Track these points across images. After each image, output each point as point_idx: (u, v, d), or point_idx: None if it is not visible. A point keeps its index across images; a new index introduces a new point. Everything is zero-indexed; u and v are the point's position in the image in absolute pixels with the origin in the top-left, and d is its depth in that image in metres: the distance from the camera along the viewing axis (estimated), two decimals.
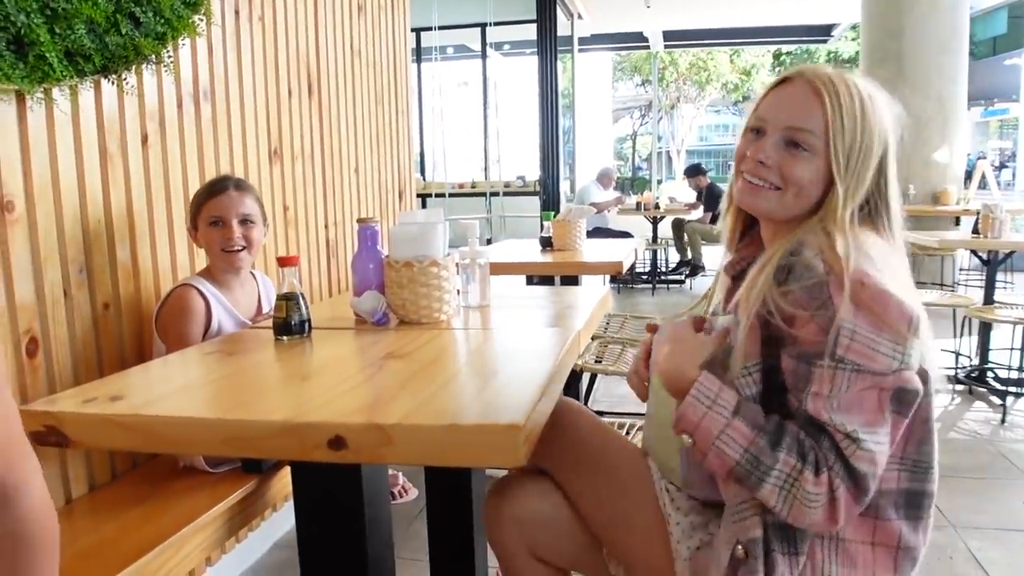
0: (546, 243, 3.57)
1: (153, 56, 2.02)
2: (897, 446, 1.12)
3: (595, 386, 3.79)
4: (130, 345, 2.04)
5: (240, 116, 2.54)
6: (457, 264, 1.82)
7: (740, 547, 1.17)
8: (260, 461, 1.82)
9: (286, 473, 2.00)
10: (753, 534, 1.16)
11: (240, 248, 2.08)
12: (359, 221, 1.76)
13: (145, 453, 2.08)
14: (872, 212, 1.24)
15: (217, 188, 2.11)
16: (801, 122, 1.23)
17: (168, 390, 1.21)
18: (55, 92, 1.78)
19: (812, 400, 1.09)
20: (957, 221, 7.16)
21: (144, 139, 2.10)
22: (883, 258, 1.15)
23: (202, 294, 2.01)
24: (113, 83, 1.94)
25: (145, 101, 2.09)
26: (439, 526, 1.93)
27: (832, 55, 25.19)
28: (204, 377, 1.33)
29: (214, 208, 2.08)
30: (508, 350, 1.44)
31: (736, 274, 1.38)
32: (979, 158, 9.88)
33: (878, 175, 1.24)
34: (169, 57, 2.10)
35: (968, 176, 7.89)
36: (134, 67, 1.99)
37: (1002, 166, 19.70)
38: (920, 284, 6.57)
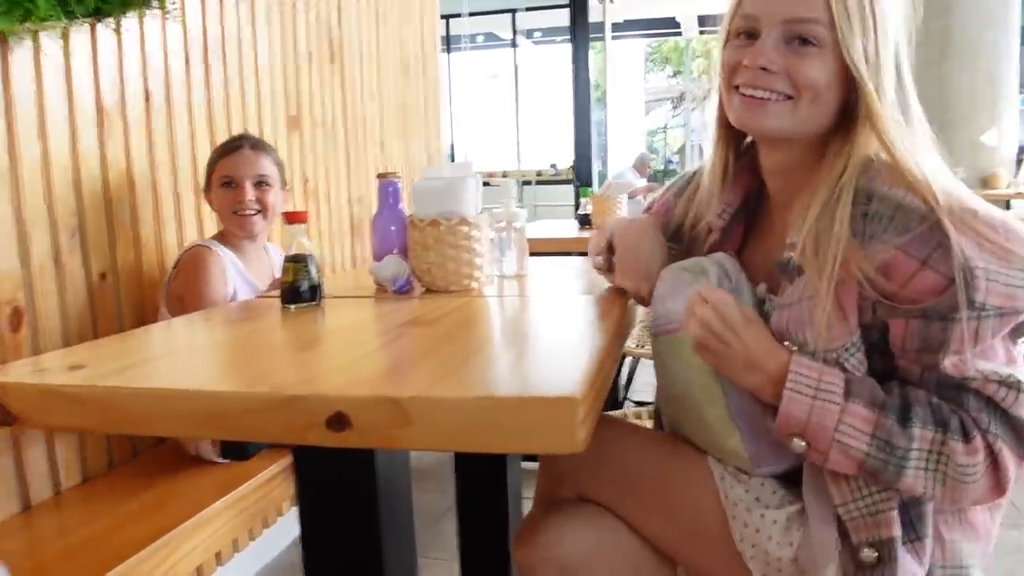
0: (584, 221, 3.34)
1: (155, 2, 1.82)
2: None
3: (635, 374, 3.57)
4: (130, 318, 1.85)
5: (255, 78, 2.34)
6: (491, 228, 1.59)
7: (869, 550, 0.95)
8: (245, 445, 1.60)
9: None
10: (888, 533, 0.94)
11: (253, 212, 1.91)
12: (379, 176, 1.55)
13: (147, 439, 1.90)
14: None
15: (232, 147, 1.94)
16: (803, 11, 0.99)
17: (141, 359, 1.00)
18: (44, 37, 1.60)
19: (952, 359, 0.88)
20: (1008, 205, 6.83)
21: (147, 96, 1.91)
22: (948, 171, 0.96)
23: (216, 254, 1.85)
24: (111, 28, 1.75)
25: (148, 56, 1.90)
26: (470, 525, 1.71)
27: None
28: (189, 345, 1.12)
29: (226, 167, 1.91)
30: (552, 319, 1.21)
31: (725, 226, 1.18)
32: None
33: (896, 72, 1.02)
34: (174, 5, 1.90)
35: (1019, 161, 7.54)
36: (135, 13, 1.80)
37: None
38: None
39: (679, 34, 15.19)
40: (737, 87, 1.04)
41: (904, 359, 0.94)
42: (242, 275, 1.90)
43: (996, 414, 0.88)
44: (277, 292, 1.37)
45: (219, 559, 2.07)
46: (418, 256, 1.44)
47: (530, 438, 0.71)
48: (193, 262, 1.83)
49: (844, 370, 0.94)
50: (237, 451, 1.66)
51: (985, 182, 7.04)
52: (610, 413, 1.22)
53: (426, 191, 1.42)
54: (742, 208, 1.19)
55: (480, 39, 12.21)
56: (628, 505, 1.15)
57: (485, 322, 1.20)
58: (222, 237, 1.95)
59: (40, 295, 1.61)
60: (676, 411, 1.19)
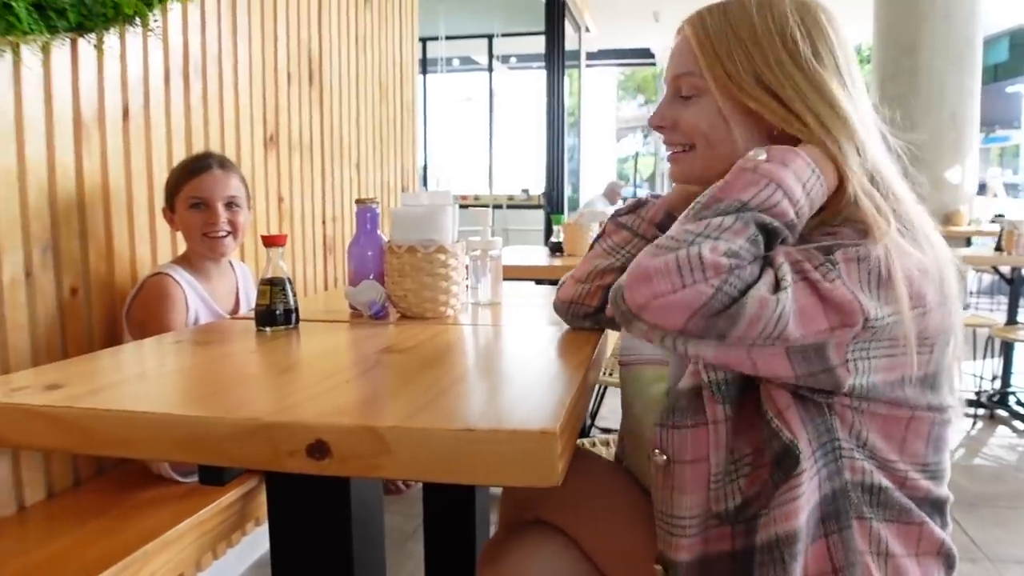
0: (556, 248, 3.36)
1: (137, 19, 1.83)
2: (918, 452, 0.96)
3: (603, 401, 3.59)
4: (100, 334, 1.83)
5: (234, 97, 2.34)
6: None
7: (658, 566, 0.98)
8: (222, 470, 1.59)
9: (263, 488, 1.80)
10: (675, 557, 0.97)
11: (225, 234, 1.88)
12: (358, 202, 1.56)
13: (113, 458, 1.87)
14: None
15: (200, 166, 1.90)
16: (678, 68, 1.06)
17: (118, 379, 1.00)
18: (24, 50, 1.59)
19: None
20: (968, 242, 6.99)
21: (125, 112, 1.91)
22: None
23: (178, 283, 1.81)
24: (92, 44, 1.75)
25: (128, 70, 1.90)
26: (437, 549, 1.72)
27: None
28: (166, 367, 1.12)
29: (196, 189, 1.87)
30: (528, 350, 1.23)
31: None
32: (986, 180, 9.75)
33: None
34: (156, 22, 1.91)
35: (982, 189, 7.73)
36: (116, 30, 1.80)
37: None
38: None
39: (653, 64, 15.40)
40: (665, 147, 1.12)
41: None
42: (204, 300, 1.88)
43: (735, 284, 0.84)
44: (251, 314, 1.38)
45: None
46: (395, 282, 1.45)
47: (508, 471, 0.72)
48: (155, 290, 1.80)
49: None
50: (214, 476, 1.64)
51: (948, 219, 7.20)
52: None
53: (405, 218, 1.44)
54: None
55: (456, 63, 12.27)
56: (582, 534, 1.18)
57: (461, 352, 1.22)
58: (184, 260, 1.92)
59: (10, 309, 1.60)
60: (629, 444, 1.23)
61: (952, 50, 7.19)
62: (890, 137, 1.05)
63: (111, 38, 1.81)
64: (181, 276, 1.83)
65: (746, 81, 0.99)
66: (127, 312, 1.83)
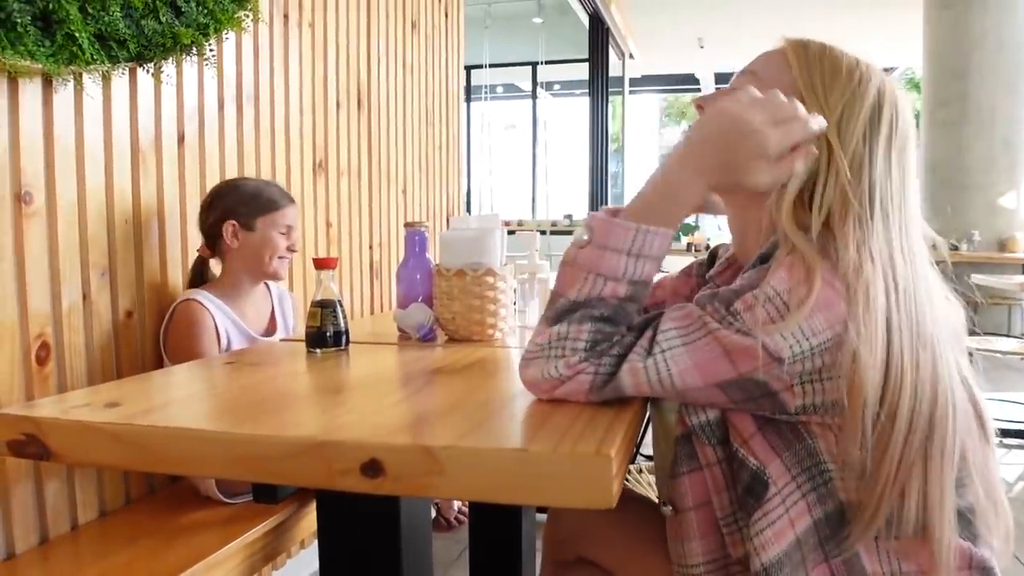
0: None
1: (194, 48, 1.88)
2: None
3: (646, 430, 3.55)
4: (152, 356, 1.86)
5: (284, 124, 2.39)
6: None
7: None
8: (276, 489, 1.61)
9: (313, 509, 1.81)
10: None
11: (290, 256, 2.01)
12: (407, 225, 1.58)
13: (163, 478, 1.90)
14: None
15: (289, 199, 2.02)
16: (750, 65, 1.08)
17: (174, 398, 1.01)
18: (85, 79, 1.64)
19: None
20: None
21: (181, 138, 1.95)
22: None
23: (205, 308, 1.84)
24: (150, 73, 1.80)
25: (184, 98, 1.95)
26: (483, 574, 1.70)
27: None
28: (219, 387, 1.13)
29: (288, 218, 1.98)
30: None
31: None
32: None
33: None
34: (212, 52, 1.96)
35: None
36: (173, 59, 1.85)
37: None
38: (988, 333, 6.23)
39: (698, 90, 15.38)
40: None
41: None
42: (235, 323, 1.91)
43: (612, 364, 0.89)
44: (301, 335, 1.39)
45: None
46: (443, 305, 1.46)
47: (563, 492, 0.72)
48: (184, 317, 1.82)
49: None
50: (268, 494, 1.66)
51: (1003, 245, 7.04)
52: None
53: (454, 241, 1.45)
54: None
55: (500, 90, 12.39)
56: (621, 569, 1.18)
57: (511, 373, 1.21)
58: (217, 284, 1.95)
59: (68, 331, 1.63)
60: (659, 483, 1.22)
61: (1003, 75, 7.08)
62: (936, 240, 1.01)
63: (168, 67, 1.85)
64: (209, 300, 1.86)
65: (823, 110, 0.96)
66: (163, 339, 1.85)
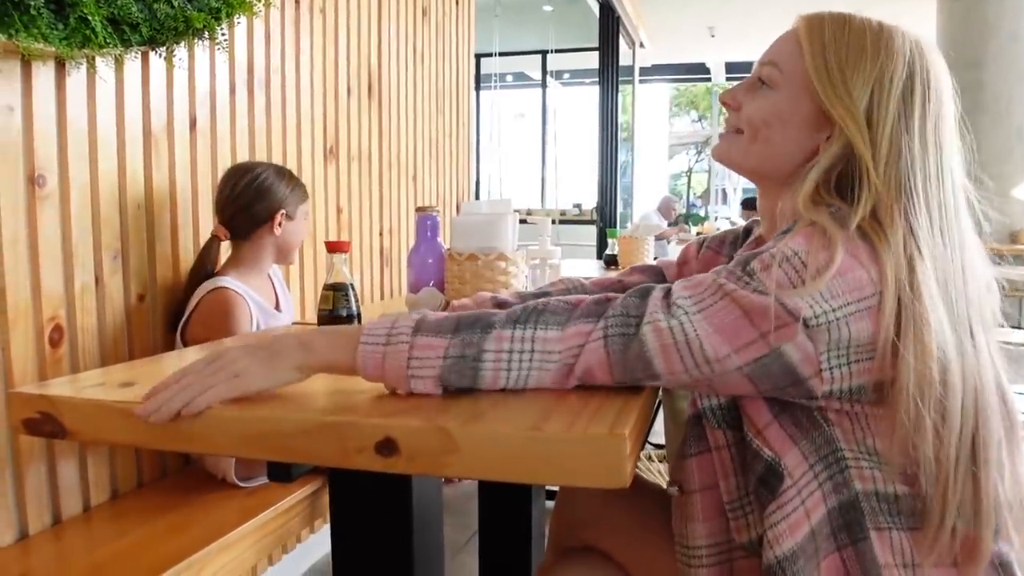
0: (611, 261, 3.35)
1: (206, 32, 1.87)
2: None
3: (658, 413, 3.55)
4: (164, 338, 1.87)
5: (296, 109, 2.39)
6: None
7: None
8: (289, 468, 1.62)
9: (325, 492, 1.82)
10: None
11: None
12: (418, 210, 1.58)
13: (176, 460, 1.91)
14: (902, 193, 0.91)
15: (303, 184, 2.08)
16: (769, 54, 1.04)
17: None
18: (98, 61, 1.64)
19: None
20: None
21: (192, 122, 1.96)
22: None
23: (239, 295, 1.84)
24: (162, 56, 1.80)
25: (196, 82, 1.95)
26: (492, 557, 1.71)
27: None
28: None
29: (308, 202, 2.09)
30: None
31: None
32: None
33: (898, 130, 0.93)
34: (223, 36, 1.96)
35: None
36: (185, 42, 1.85)
37: None
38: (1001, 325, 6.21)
39: (708, 79, 15.31)
40: None
41: None
42: (260, 306, 1.92)
43: (629, 325, 0.85)
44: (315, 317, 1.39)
45: None
46: (455, 289, 1.46)
47: (576, 471, 0.72)
48: (219, 306, 1.81)
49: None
50: (282, 473, 1.67)
51: (1015, 237, 7.00)
52: None
53: (466, 226, 1.45)
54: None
55: (510, 78, 12.36)
56: (632, 562, 1.17)
57: None
58: (236, 266, 1.95)
59: (81, 314, 1.64)
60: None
61: (1018, 65, 7.02)
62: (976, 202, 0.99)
63: (180, 51, 1.86)
64: (238, 287, 1.86)
65: (844, 97, 0.94)
66: (184, 330, 1.83)
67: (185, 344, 1.83)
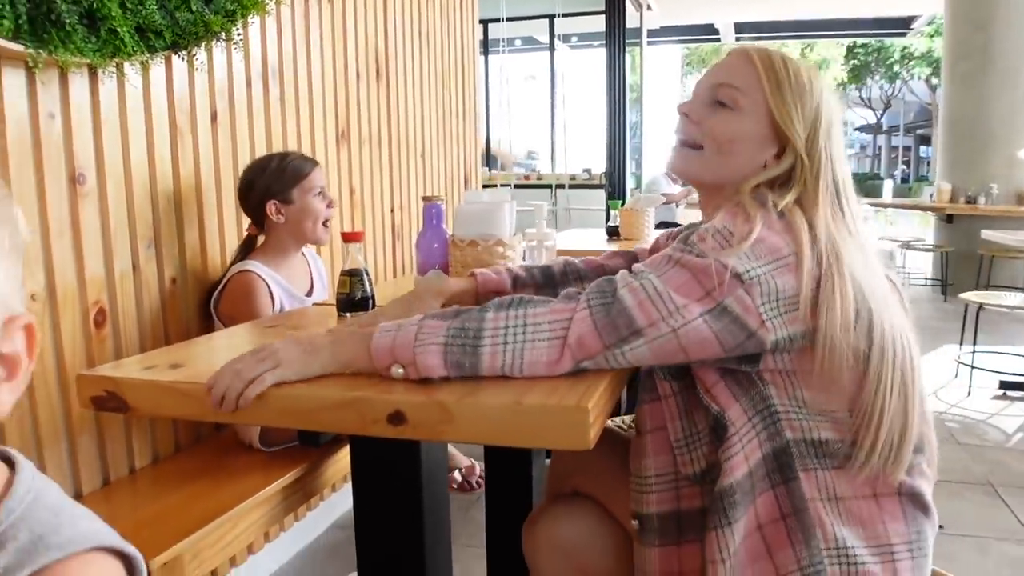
0: (612, 232, 3.50)
1: (223, 33, 2.02)
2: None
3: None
4: (196, 319, 2.05)
5: (308, 97, 2.53)
6: (523, 246, 1.77)
7: (634, 520, 1.15)
8: (318, 435, 1.82)
9: (343, 455, 2.00)
10: (645, 510, 1.13)
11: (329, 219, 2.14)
12: (424, 199, 1.73)
13: (208, 428, 2.10)
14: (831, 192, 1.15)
15: (311, 161, 2.14)
16: (727, 78, 1.20)
17: (228, 360, 1.19)
18: (126, 67, 1.79)
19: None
20: None
21: (213, 116, 2.11)
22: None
23: (261, 278, 2.01)
24: (184, 59, 1.95)
25: (215, 79, 2.10)
26: (497, 514, 1.89)
27: (905, 51, 24.46)
28: None
29: (316, 180, 2.11)
30: None
31: None
32: None
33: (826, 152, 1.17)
34: (239, 35, 2.10)
35: None
36: (204, 44, 1.99)
37: None
38: (999, 287, 6.31)
39: (717, 39, 15.23)
40: (675, 135, 1.27)
41: None
42: (285, 288, 2.08)
43: (606, 294, 1.02)
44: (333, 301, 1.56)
45: (267, 537, 2.27)
46: (458, 272, 1.62)
47: (549, 436, 0.89)
48: (241, 287, 1.99)
49: None
50: (311, 439, 1.88)
51: (1021, 199, 7.05)
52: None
53: (467, 215, 1.60)
54: None
55: (518, 43, 12.38)
56: (610, 501, 1.36)
57: None
58: (264, 252, 2.11)
59: (121, 297, 1.82)
60: None
61: None
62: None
63: (200, 52, 2.00)
64: (262, 270, 2.03)
65: (796, 123, 1.15)
66: (215, 306, 2.02)
67: (217, 316, 2.02)
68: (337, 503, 2.65)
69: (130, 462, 1.87)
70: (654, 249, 1.54)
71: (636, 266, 1.06)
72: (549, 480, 1.58)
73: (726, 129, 1.19)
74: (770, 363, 1.06)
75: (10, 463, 0.54)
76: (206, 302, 2.06)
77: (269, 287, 2.01)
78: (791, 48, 24.44)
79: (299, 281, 2.18)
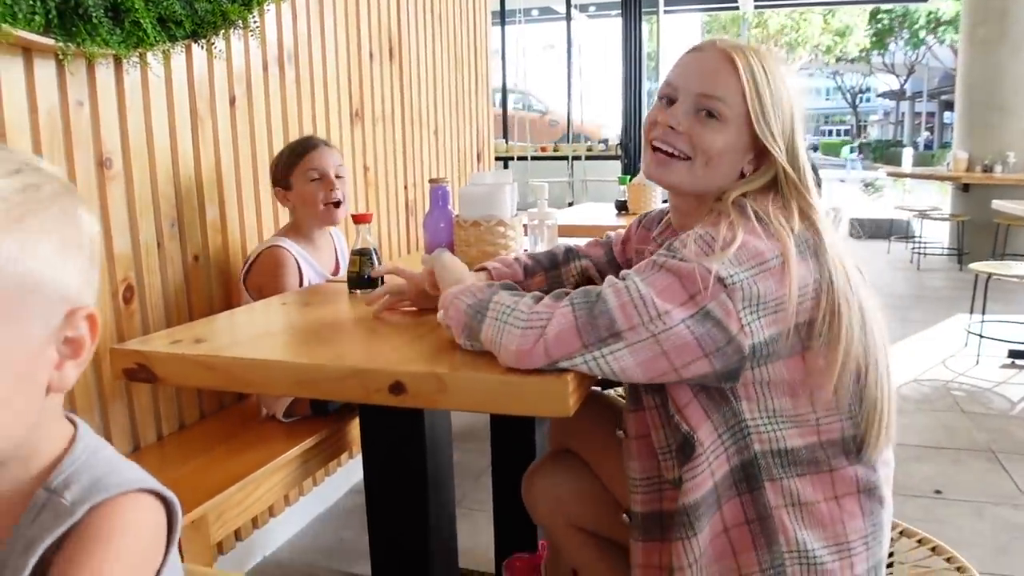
0: (621, 207, 3.58)
1: (240, 21, 2.11)
2: (831, 399, 1.13)
3: None
4: (218, 293, 2.17)
5: (323, 79, 2.62)
6: (525, 225, 1.87)
7: (625, 516, 1.25)
8: (327, 404, 1.95)
9: (356, 424, 2.11)
10: (635, 508, 1.22)
11: (339, 201, 2.17)
12: (431, 181, 1.83)
13: (231, 397, 2.22)
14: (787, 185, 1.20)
15: (311, 144, 2.20)
16: (712, 89, 1.20)
17: (247, 335, 1.30)
18: (149, 57, 1.89)
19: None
20: None
21: (232, 100, 2.21)
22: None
23: (289, 252, 2.11)
24: (203, 47, 2.04)
25: (233, 65, 2.20)
26: (503, 479, 2.00)
27: (932, 15, 24.04)
28: (281, 325, 1.43)
29: (314, 162, 2.16)
30: None
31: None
32: None
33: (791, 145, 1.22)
34: (255, 22, 2.19)
35: None
36: (222, 32, 2.08)
37: None
38: (1015, 256, 6.32)
39: (736, 7, 15.10)
40: (652, 142, 1.26)
41: None
42: (311, 265, 2.18)
43: (590, 294, 1.07)
44: (344, 278, 1.66)
45: (287, 500, 2.40)
46: (462, 251, 1.71)
47: (533, 405, 1.00)
48: (271, 261, 2.08)
49: None
50: (322, 408, 2.01)
51: None
52: (594, 389, 1.55)
53: (470, 197, 1.69)
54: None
55: (535, 12, 12.36)
56: (594, 460, 1.52)
57: None
58: (292, 231, 2.21)
59: (147, 274, 1.93)
60: None
61: None
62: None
63: (218, 40, 2.10)
64: (291, 246, 2.13)
65: (775, 133, 1.19)
66: (245, 279, 2.13)
67: (247, 288, 2.11)
68: (354, 469, 2.78)
69: (158, 428, 1.99)
70: (627, 237, 1.61)
71: (622, 272, 1.10)
72: (549, 438, 1.73)
73: (716, 142, 1.20)
74: (749, 377, 1.09)
75: (73, 424, 0.69)
76: (226, 277, 2.16)
77: (298, 263, 2.11)
78: (812, 15, 24.17)
79: (326, 260, 2.27)
